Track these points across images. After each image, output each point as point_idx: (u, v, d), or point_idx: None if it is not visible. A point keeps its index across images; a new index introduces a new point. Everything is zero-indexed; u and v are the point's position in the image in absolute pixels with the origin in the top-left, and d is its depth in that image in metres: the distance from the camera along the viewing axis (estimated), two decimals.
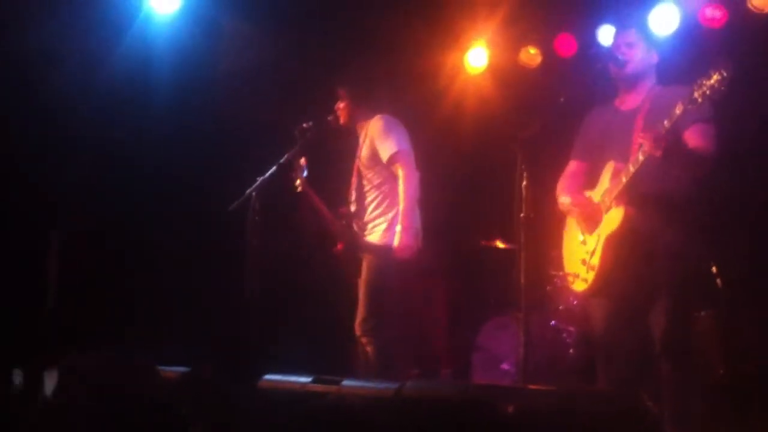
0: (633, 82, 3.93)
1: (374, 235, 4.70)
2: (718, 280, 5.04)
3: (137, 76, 5.77)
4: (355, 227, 4.81)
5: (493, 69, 6.44)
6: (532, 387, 3.12)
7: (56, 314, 5.79)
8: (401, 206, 4.59)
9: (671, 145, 3.50)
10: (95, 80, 5.66)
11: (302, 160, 4.81)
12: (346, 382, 3.00)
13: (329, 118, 4.89)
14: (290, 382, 3.18)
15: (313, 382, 3.09)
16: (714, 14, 5.42)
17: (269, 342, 4.52)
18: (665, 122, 3.50)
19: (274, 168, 4.67)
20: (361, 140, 4.83)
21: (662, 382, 3.68)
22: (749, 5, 5.23)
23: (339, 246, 4.90)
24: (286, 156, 4.73)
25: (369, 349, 4.60)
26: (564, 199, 4.08)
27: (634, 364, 3.72)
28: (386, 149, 4.64)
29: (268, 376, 3.28)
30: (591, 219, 3.90)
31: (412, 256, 4.57)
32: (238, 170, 4.99)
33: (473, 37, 6.33)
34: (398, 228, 4.56)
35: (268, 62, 6.02)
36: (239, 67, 5.99)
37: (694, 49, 5.29)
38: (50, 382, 3.69)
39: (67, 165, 5.77)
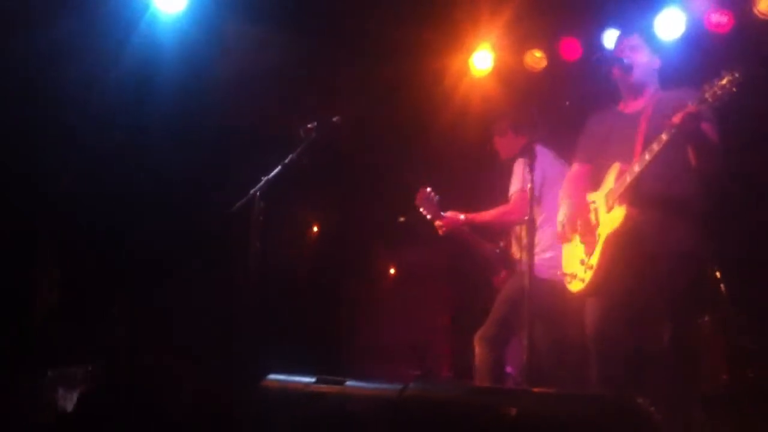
0: (638, 87, 3.94)
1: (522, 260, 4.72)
2: (722, 285, 5.04)
3: (143, 75, 5.78)
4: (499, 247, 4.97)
5: (498, 72, 6.45)
6: (534, 390, 3.12)
7: (54, 316, 5.79)
8: (482, 215, 4.83)
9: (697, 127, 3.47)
10: (101, 79, 5.67)
11: (428, 190, 4.99)
12: (349, 383, 3.00)
13: (335, 119, 4.90)
14: (294, 382, 3.18)
15: (317, 382, 3.09)
16: (720, 19, 5.43)
17: (273, 342, 4.52)
18: (673, 118, 3.50)
19: (278, 168, 4.67)
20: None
21: (664, 386, 3.67)
22: (755, 11, 5.23)
23: (503, 274, 4.98)
24: (290, 156, 4.73)
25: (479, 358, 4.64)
26: (562, 208, 4.08)
27: (629, 365, 3.69)
28: (514, 184, 4.74)
29: (271, 376, 3.29)
30: (589, 221, 3.90)
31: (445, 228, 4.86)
32: (242, 170, 5.00)
33: (478, 40, 6.33)
34: (462, 217, 4.83)
35: (273, 63, 6.03)
36: (244, 66, 6.00)
37: (700, 54, 5.29)
38: (67, 395, 3.71)
39: (70, 164, 5.78)
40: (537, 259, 4.54)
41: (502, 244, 5.01)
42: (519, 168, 4.72)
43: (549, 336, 4.63)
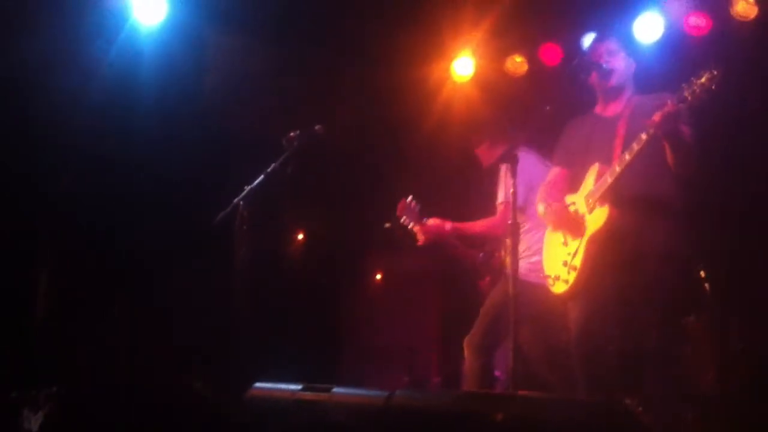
0: (616, 92, 3.96)
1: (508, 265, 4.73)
2: (707, 285, 5.06)
3: (123, 87, 5.77)
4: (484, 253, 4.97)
5: (479, 77, 6.47)
6: (521, 394, 3.12)
7: (49, 326, 5.76)
8: (469, 226, 4.84)
9: (675, 129, 3.49)
10: (82, 92, 5.65)
11: (408, 200, 4.99)
12: (336, 390, 3.00)
13: (317, 127, 4.90)
14: (281, 390, 3.18)
15: (304, 389, 3.09)
16: (698, 22, 5.47)
17: (259, 350, 4.51)
18: (654, 116, 3.52)
19: (261, 177, 4.67)
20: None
21: (651, 387, 3.68)
22: (732, 13, 5.27)
23: (486, 279, 4.97)
24: (273, 165, 4.73)
25: (468, 364, 4.64)
26: (539, 207, 4.10)
27: (614, 367, 3.69)
28: (499, 195, 4.75)
29: (258, 384, 3.28)
30: (568, 224, 3.91)
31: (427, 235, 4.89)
32: (225, 179, 4.99)
33: (460, 46, 6.36)
34: (448, 225, 4.82)
35: (254, 72, 6.03)
36: (225, 77, 6.00)
37: (679, 56, 5.33)
38: (33, 417, 3.68)
39: (54, 177, 5.75)
40: (525, 263, 4.58)
41: (486, 249, 5.03)
42: (503, 177, 4.72)
43: (540, 340, 4.65)
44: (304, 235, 6.31)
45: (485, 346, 4.60)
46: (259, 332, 4.59)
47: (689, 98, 3.36)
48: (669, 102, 3.45)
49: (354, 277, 7.41)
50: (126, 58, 5.71)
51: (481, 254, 5.01)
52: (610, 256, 3.73)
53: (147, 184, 5.99)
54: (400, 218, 4.99)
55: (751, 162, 5.23)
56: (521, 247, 4.62)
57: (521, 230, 4.56)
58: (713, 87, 3.29)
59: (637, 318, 3.72)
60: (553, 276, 3.98)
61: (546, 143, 4.25)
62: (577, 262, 3.80)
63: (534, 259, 4.55)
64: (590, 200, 3.82)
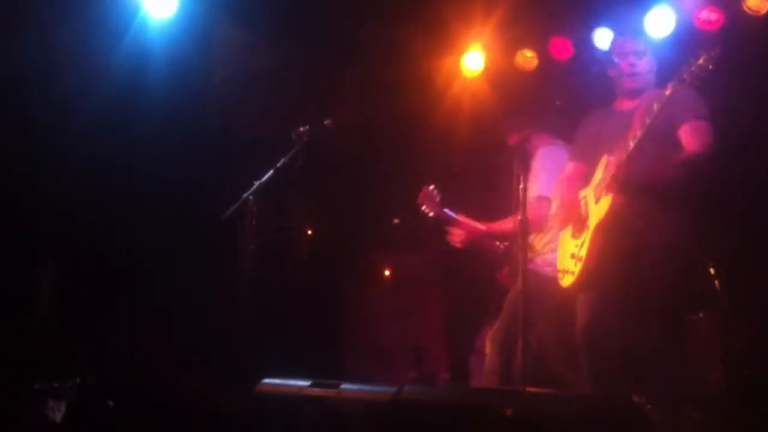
0: (638, 91, 3.95)
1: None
2: (716, 282, 5.03)
3: (133, 80, 5.77)
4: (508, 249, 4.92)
5: (489, 72, 6.45)
6: (529, 390, 3.12)
7: (50, 326, 5.77)
8: (501, 227, 4.78)
9: (656, 136, 3.51)
10: (92, 86, 5.65)
11: (431, 188, 4.92)
12: (344, 386, 3.00)
13: (326, 122, 4.90)
14: (289, 386, 3.18)
15: (312, 385, 3.09)
16: (710, 16, 5.43)
17: (268, 345, 4.51)
18: (654, 105, 3.52)
19: (271, 172, 4.67)
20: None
21: (656, 384, 3.66)
22: (744, 7, 5.24)
23: (505, 270, 4.95)
24: (282, 160, 4.73)
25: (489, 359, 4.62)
26: (553, 204, 4.10)
27: (621, 361, 3.68)
28: (533, 189, 4.58)
29: (266, 380, 3.28)
30: (576, 217, 3.90)
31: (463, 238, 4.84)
32: (235, 174, 4.99)
33: (469, 41, 6.34)
34: (482, 227, 4.79)
35: (264, 67, 6.03)
36: (235, 71, 5.99)
37: (690, 51, 5.29)
38: (56, 406, 3.70)
39: (57, 176, 5.76)
40: (547, 257, 4.56)
41: (507, 241, 4.99)
42: (545, 169, 4.66)
43: (558, 335, 4.62)
44: (312, 231, 6.30)
45: (507, 343, 4.56)
46: (266, 329, 4.59)
47: (688, 79, 3.41)
48: (669, 85, 3.48)
49: (362, 272, 7.41)
50: (136, 51, 5.71)
51: (501, 246, 4.97)
52: (614, 246, 3.71)
53: (152, 181, 5.99)
54: (421, 206, 4.93)
55: (762, 157, 5.20)
56: (545, 240, 4.61)
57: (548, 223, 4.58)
58: (710, 67, 3.36)
59: (636, 312, 3.70)
60: (562, 269, 3.97)
61: (557, 137, 4.24)
62: (583, 252, 3.79)
63: (554, 254, 4.54)
64: (598, 191, 3.81)
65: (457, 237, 4.92)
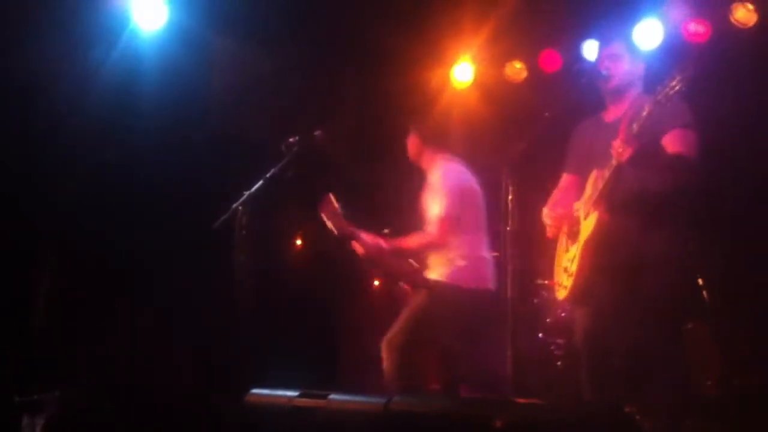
0: (618, 94, 3.97)
1: (434, 272, 4.73)
2: (705, 293, 5.05)
3: (123, 92, 5.77)
4: (414, 263, 4.87)
5: (478, 84, 6.48)
6: (520, 400, 3.12)
7: (49, 327, 5.75)
8: (406, 245, 4.77)
9: (641, 150, 3.53)
10: (83, 98, 5.65)
11: (330, 197, 4.79)
12: (333, 396, 2.99)
13: (316, 132, 4.90)
14: (277, 396, 3.17)
15: (301, 396, 3.08)
16: (697, 29, 5.47)
17: (257, 355, 4.50)
18: (634, 125, 3.55)
19: (260, 182, 4.67)
20: (429, 178, 4.89)
21: (651, 394, 3.66)
22: (732, 20, 5.28)
23: (376, 281, 4.95)
24: (272, 170, 4.73)
25: (386, 364, 4.64)
26: (544, 216, 4.11)
27: (620, 373, 3.70)
28: (435, 208, 4.72)
29: (255, 390, 3.27)
30: (571, 229, 3.92)
31: (368, 255, 4.77)
32: (225, 185, 4.99)
33: (459, 53, 6.37)
34: (386, 246, 4.71)
35: (254, 78, 6.03)
36: (226, 82, 6.00)
37: (678, 63, 5.32)
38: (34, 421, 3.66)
39: (55, 182, 5.75)
40: (453, 267, 4.63)
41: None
42: (447, 187, 4.73)
43: (466, 344, 4.69)
44: (303, 241, 6.31)
45: (404, 347, 4.62)
46: (257, 337, 4.58)
47: (663, 101, 3.44)
48: (646, 106, 3.51)
49: (353, 282, 7.40)
50: (126, 63, 5.71)
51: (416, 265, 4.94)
52: (603, 262, 3.72)
53: (148, 188, 5.99)
54: (323, 218, 4.76)
55: (752, 167, 5.23)
56: (453, 253, 4.67)
57: (456, 238, 4.65)
58: (683, 88, 3.39)
59: (637, 325, 3.71)
60: (557, 282, 3.99)
61: (547, 149, 4.25)
62: (574, 267, 3.81)
63: (462, 263, 4.64)
64: (586, 206, 3.83)
65: (360, 253, 4.85)
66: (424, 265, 4.81)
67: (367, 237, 4.79)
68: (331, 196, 4.76)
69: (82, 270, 5.87)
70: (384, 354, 4.72)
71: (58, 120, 5.59)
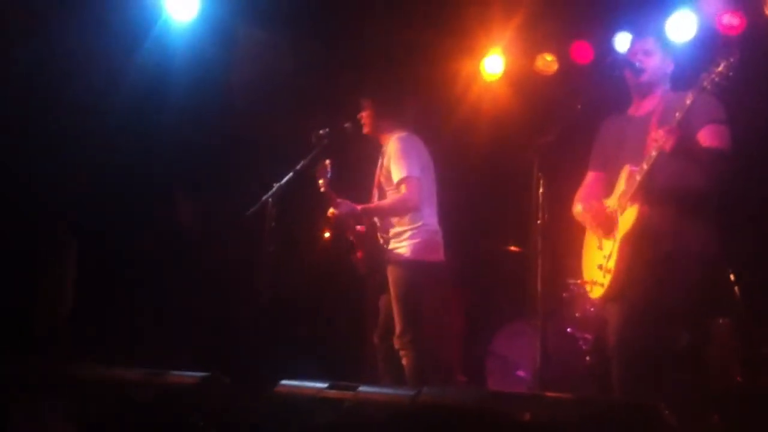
0: (648, 89, 3.96)
1: (399, 247, 4.73)
2: (736, 288, 5.01)
3: (155, 82, 5.80)
4: (379, 239, 4.83)
5: (509, 76, 6.45)
6: (548, 394, 3.11)
7: (67, 321, 5.79)
8: (378, 206, 4.82)
9: (682, 138, 3.51)
10: (114, 87, 5.69)
11: (327, 162, 4.82)
12: (362, 388, 2.99)
13: (346, 125, 4.92)
14: (306, 388, 3.18)
15: (329, 387, 3.09)
16: (732, 21, 5.41)
17: (285, 348, 4.53)
18: (677, 114, 3.54)
19: (290, 174, 4.69)
20: (383, 153, 4.88)
21: (681, 389, 3.64)
22: (766, 11, 5.21)
23: (359, 254, 4.92)
24: (302, 163, 4.76)
25: (405, 361, 4.62)
26: (576, 208, 4.09)
27: (653, 371, 3.67)
28: (397, 173, 4.72)
29: (284, 382, 3.29)
30: (604, 225, 3.89)
31: (337, 222, 4.81)
32: (255, 177, 5.01)
33: (489, 45, 6.34)
34: (359, 207, 4.76)
35: (285, 70, 6.05)
36: (256, 74, 6.01)
37: (712, 55, 5.26)
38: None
39: (83, 171, 5.79)
40: (417, 241, 4.67)
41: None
42: (407, 151, 4.73)
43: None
44: (331, 233, 6.32)
45: (416, 341, 4.65)
46: (285, 330, 4.61)
47: (708, 87, 3.42)
48: (689, 94, 3.50)
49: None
50: (157, 53, 5.74)
51: (362, 229, 4.90)
52: (643, 255, 3.70)
53: (173, 181, 6.02)
54: (318, 179, 4.81)
55: None
56: (417, 226, 4.70)
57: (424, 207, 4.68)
58: (731, 74, 3.37)
59: (665, 318, 3.69)
60: (590, 281, 3.95)
61: (578, 141, 4.22)
62: (612, 264, 3.78)
63: (425, 236, 4.71)
64: (623, 201, 3.80)
65: (332, 216, 4.85)
66: (387, 241, 4.80)
67: (342, 201, 4.79)
68: (327, 162, 4.80)
69: (86, 267, 5.89)
70: (378, 345, 4.79)
71: (84, 112, 5.63)
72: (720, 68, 3.37)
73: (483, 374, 6.02)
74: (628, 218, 3.75)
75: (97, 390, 3.68)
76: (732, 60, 3.35)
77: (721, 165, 3.68)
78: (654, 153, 3.60)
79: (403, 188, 4.70)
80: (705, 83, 3.42)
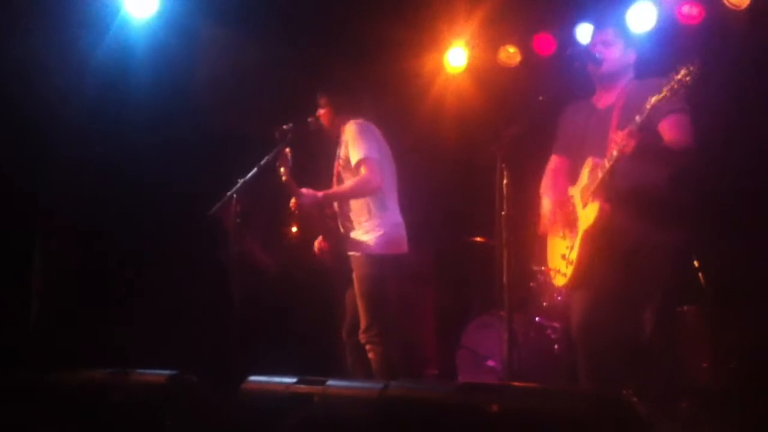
0: (609, 80, 3.98)
1: (361, 241, 4.71)
2: (701, 275, 5.06)
3: (115, 80, 5.74)
4: (341, 229, 4.81)
5: (472, 68, 6.47)
6: (516, 384, 3.12)
7: (42, 323, 5.73)
8: (339, 189, 4.76)
9: (643, 141, 3.54)
10: (73, 86, 5.61)
11: (287, 150, 4.76)
12: (330, 383, 2.99)
13: (309, 119, 4.90)
14: (275, 383, 3.17)
15: (298, 382, 3.08)
16: (691, 11, 5.46)
17: (253, 344, 4.51)
18: (636, 117, 3.56)
19: (254, 170, 4.66)
20: (340, 143, 4.84)
21: (649, 378, 3.68)
22: (725, 2, 5.27)
23: (324, 245, 4.90)
24: (266, 158, 4.73)
25: (372, 355, 4.61)
26: (545, 203, 4.11)
27: (615, 358, 3.71)
28: (355, 154, 4.67)
29: (252, 378, 3.27)
30: (566, 219, 3.93)
31: (303, 206, 4.74)
32: (218, 173, 4.98)
33: (452, 37, 6.35)
34: (320, 194, 4.71)
35: (246, 66, 6.00)
36: (217, 70, 5.97)
37: (672, 46, 5.32)
38: None
39: (45, 173, 5.72)
40: (379, 233, 4.65)
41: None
42: (364, 134, 4.70)
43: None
44: (298, 228, 6.29)
45: (353, 330, 4.68)
46: (253, 326, 4.59)
47: (668, 95, 3.43)
48: (649, 99, 3.50)
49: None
50: (117, 51, 5.67)
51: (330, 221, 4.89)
52: (604, 252, 3.74)
53: (137, 179, 5.96)
54: (279, 167, 4.77)
55: (746, 152, 5.23)
56: (378, 219, 4.68)
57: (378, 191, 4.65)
58: (690, 83, 3.37)
59: (629, 307, 3.73)
60: (554, 269, 4.00)
61: (540, 133, 4.24)
62: (574, 256, 3.82)
63: (387, 229, 4.68)
64: (584, 195, 3.83)
65: (294, 206, 4.82)
66: (348, 232, 4.78)
67: (303, 190, 4.75)
68: (288, 151, 4.75)
69: (75, 267, 5.83)
70: (347, 341, 4.77)
71: (47, 111, 5.55)
72: (679, 75, 3.38)
73: (454, 367, 6.04)
74: (589, 214, 3.78)
75: (68, 393, 3.65)
76: (692, 68, 3.36)
77: (684, 159, 3.72)
78: (615, 153, 3.62)
79: (362, 170, 4.63)
80: (664, 90, 3.44)
